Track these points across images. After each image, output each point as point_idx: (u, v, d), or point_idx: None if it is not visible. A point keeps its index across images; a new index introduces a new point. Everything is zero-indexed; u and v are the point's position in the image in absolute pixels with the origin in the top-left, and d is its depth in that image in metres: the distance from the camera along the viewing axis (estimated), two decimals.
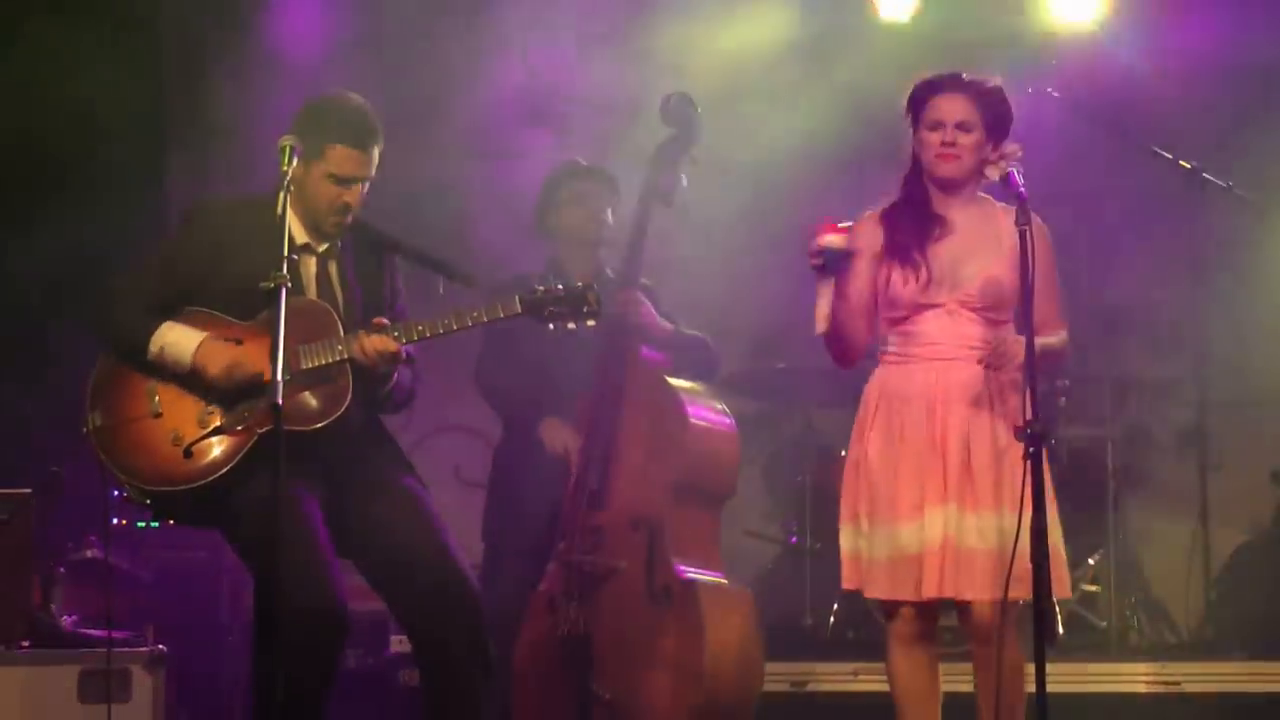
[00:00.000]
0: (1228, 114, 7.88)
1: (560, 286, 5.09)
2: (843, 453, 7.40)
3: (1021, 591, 4.70)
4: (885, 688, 6.20)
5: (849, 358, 5.14)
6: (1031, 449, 4.56)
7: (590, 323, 5.10)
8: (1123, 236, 8.08)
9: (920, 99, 5.02)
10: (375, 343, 4.98)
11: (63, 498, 6.14)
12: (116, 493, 5.38)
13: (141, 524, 6.94)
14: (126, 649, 5.79)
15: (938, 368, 4.96)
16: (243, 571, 6.43)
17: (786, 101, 8.17)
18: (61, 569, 6.40)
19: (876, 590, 4.98)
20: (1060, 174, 7.91)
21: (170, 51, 8.50)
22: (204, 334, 5.01)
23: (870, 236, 5.04)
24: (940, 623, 5.11)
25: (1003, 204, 5.03)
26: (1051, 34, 7.89)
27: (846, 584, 5.07)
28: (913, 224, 5.01)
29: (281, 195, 4.75)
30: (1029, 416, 4.59)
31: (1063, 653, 6.71)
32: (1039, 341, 4.75)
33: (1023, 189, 4.72)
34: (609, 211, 6.26)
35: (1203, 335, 6.82)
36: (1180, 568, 7.10)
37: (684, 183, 5.97)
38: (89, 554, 6.55)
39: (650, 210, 5.95)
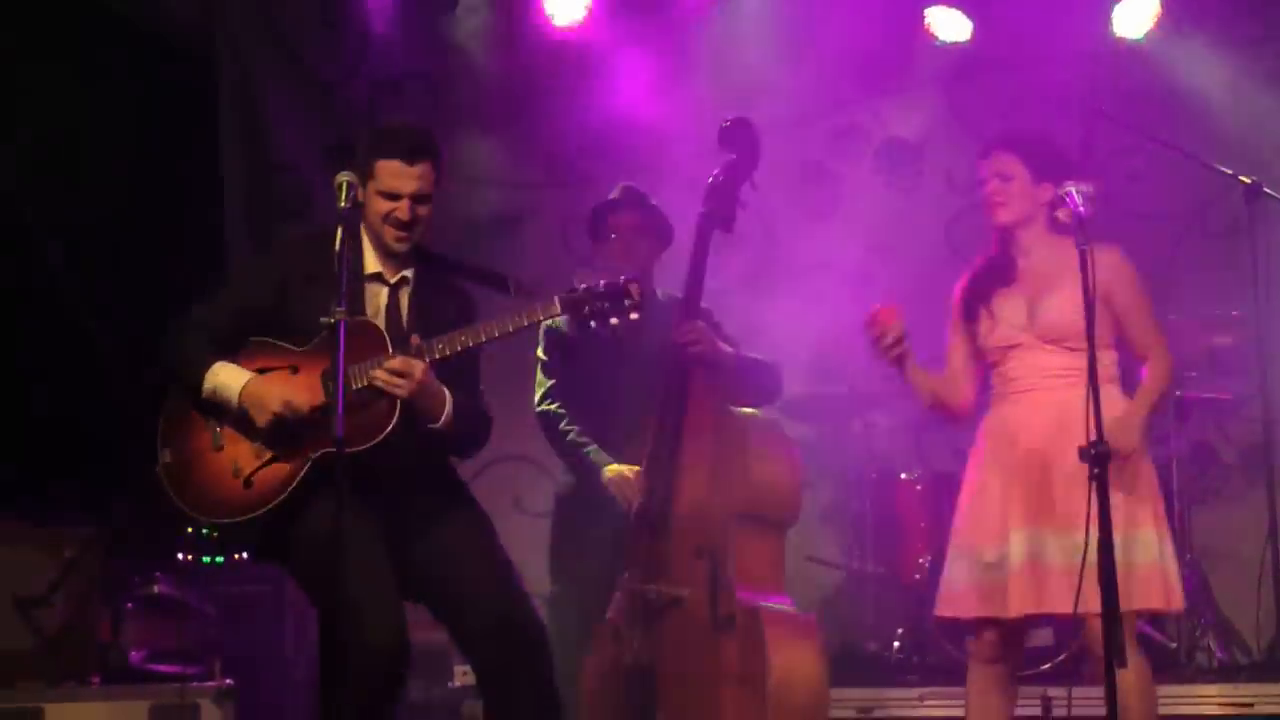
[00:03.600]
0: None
1: (601, 283, 5.02)
2: (903, 475, 7.52)
3: (1129, 603, 4.93)
4: (952, 712, 6.20)
5: (960, 416, 5.49)
6: (1097, 469, 4.67)
7: (633, 316, 5.01)
8: (1183, 254, 8.04)
9: (978, 159, 5.41)
10: (392, 363, 4.94)
11: (129, 535, 6.17)
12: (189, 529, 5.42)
13: (207, 559, 6.98)
14: (195, 683, 5.82)
15: (1024, 400, 5.28)
16: (307, 604, 6.49)
17: (839, 121, 8.22)
18: (129, 604, 6.44)
19: (964, 609, 5.24)
20: (1119, 193, 7.92)
21: (226, 87, 8.56)
22: (249, 375, 5.03)
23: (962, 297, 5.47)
24: None
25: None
26: (1104, 51, 7.89)
27: (939, 610, 5.34)
28: (985, 278, 5.39)
29: (339, 231, 4.78)
30: (1093, 438, 4.69)
31: None
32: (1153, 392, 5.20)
33: (1081, 209, 4.86)
34: (649, 244, 6.20)
35: (1267, 351, 6.75)
36: (1250, 587, 7.02)
37: (743, 207, 5.93)
38: (156, 589, 6.59)
39: (710, 236, 5.90)
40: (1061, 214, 5.09)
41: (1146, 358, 5.28)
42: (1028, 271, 5.35)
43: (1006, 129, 5.50)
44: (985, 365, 5.42)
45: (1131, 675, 4.97)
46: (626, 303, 4.99)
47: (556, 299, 5.01)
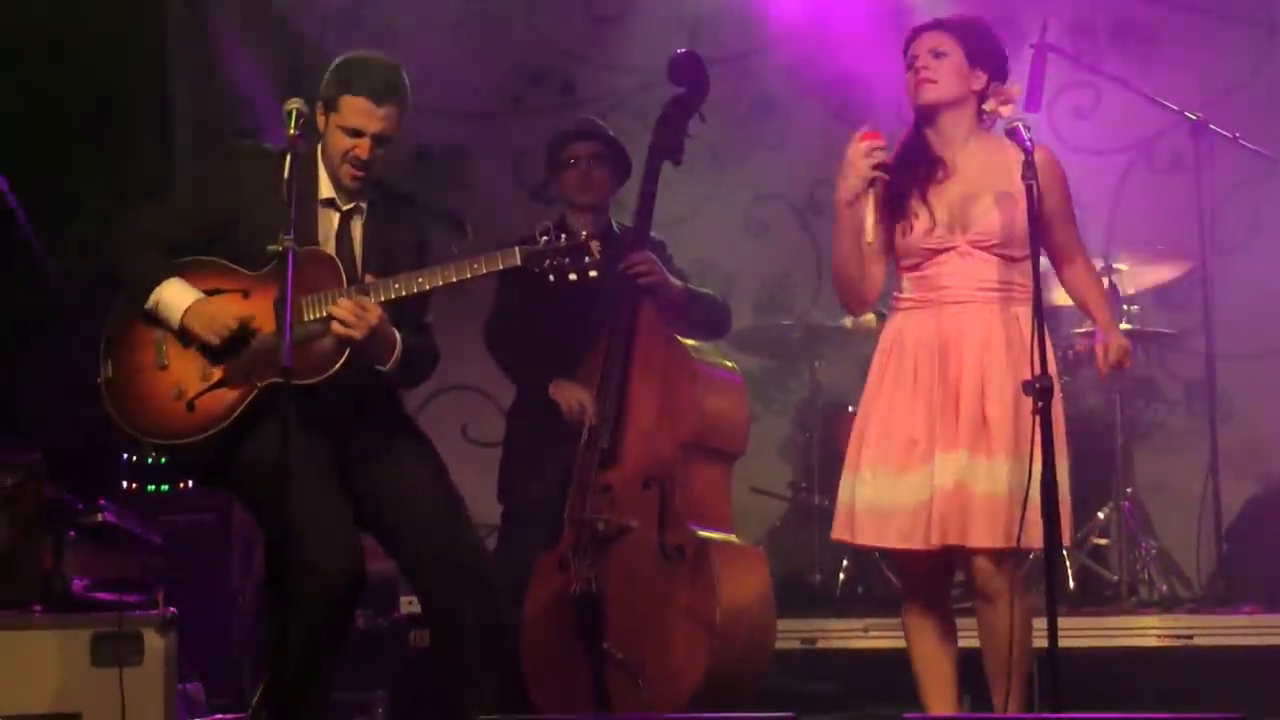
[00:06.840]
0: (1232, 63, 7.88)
1: (562, 238, 5.01)
2: (850, 408, 7.49)
3: (1028, 541, 4.66)
4: (896, 643, 6.22)
5: (859, 302, 5.08)
6: (1040, 403, 4.49)
7: (593, 274, 5.02)
8: (1129, 190, 8.07)
9: (906, 45, 5.00)
10: (345, 305, 4.90)
11: (73, 461, 6.13)
12: (126, 455, 5.37)
13: (151, 487, 6.95)
14: (138, 612, 5.80)
15: (952, 311, 4.86)
16: (253, 532, 6.47)
17: (789, 54, 8.21)
18: (72, 533, 6.40)
19: (885, 539, 4.85)
20: (1065, 129, 7.94)
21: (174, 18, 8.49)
22: (195, 296, 4.99)
23: (881, 188, 4.97)
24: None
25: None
26: None
27: (836, 535, 4.95)
28: (912, 171, 4.92)
29: (288, 158, 4.74)
30: (1037, 371, 4.51)
31: (1074, 606, 6.71)
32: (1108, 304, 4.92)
33: (1029, 144, 4.66)
34: (607, 173, 6.22)
35: (1211, 287, 6.79)
36: (1191, 521, 7.08)
37: (692, 140, 5.94)
38: (100, 517, 6.55)
39: (658, 169, 5.92)
40: (988, 106, 4.89)
41: (1072, 261, 4.98)
42: (959, 169, 4.91)
43: (944, 17, 5.03)
44: (900, 266, 4.97)
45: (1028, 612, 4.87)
46: (586, 260, 4.99)
47: (517, 251, 4.99)
